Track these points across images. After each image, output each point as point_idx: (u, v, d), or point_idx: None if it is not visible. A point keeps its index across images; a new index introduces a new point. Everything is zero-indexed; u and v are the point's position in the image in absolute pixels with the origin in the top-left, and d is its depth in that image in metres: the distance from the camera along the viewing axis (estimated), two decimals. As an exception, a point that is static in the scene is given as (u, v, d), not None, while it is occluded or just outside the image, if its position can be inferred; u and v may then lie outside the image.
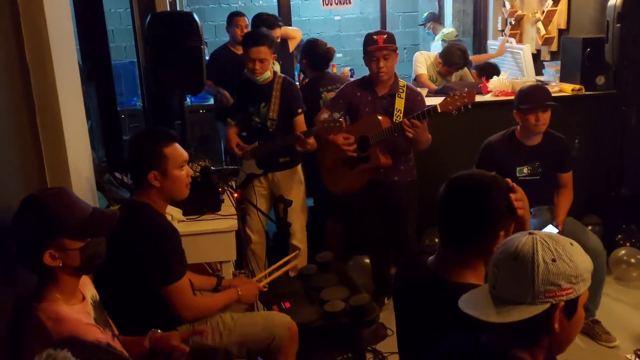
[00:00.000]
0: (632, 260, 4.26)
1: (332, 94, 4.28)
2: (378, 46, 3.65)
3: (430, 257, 1.90)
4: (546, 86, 4.08)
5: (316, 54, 4.51)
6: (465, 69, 5.52)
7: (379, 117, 3.70)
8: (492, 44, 5.91)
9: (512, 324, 1.37)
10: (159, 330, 2.33)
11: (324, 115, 3.77)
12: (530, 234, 1.43)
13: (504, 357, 1.44)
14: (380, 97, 3.78)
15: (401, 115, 3.69)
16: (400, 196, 3.91)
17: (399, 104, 3.73)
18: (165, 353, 2.22)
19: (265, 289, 2.89)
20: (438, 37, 6.35)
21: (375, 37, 3.68)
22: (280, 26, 5.03)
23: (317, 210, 4.92)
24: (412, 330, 1.95)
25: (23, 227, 1.86)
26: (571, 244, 1.42)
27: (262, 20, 4.89)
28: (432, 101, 3.90)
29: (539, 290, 1.36)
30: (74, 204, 1.92)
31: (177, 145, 2.50)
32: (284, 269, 3.08)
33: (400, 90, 3.76)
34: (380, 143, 3.71)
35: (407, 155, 3.89)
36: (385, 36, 3.67)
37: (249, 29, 5.09)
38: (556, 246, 1.39)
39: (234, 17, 5.23)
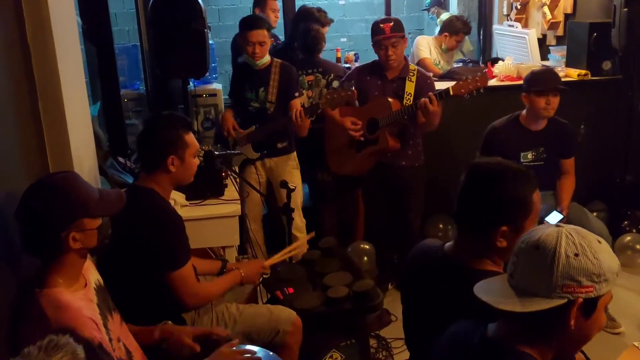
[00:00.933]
0: (638, 247, 4.25)
1: (310, 78, 4.24)
2: (385, 35, 3.63)
3: (447, 244, 1.90)
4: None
5: (306, 37, 4.39)
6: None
7: (390, 100, 3.68)
8: (498, 28, 5.85)
9: (527, 316, 1.33)
10: (170, 322, 2.33)
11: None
12: (557, 226, 1.38)
13: (510, 353, 1.40)
14: (390, 80, 3.77)
15: (411, 98, 3.67)
16: (406, 181, 3.89)
17: (409, 87, 3.71)
18: (175, 348, 2.22)
19: (268, 272, 2.88)
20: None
21: (382, 25, 3.65)
22: (330, 22, 4.78)
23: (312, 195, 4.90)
24: (424, 316, 1.94)
25: (40, 211, 1.83)
26: (599, 242, 1.37)
27: (309, 14, 4.61)
28: (437, 86, 3.87)
29: (557, 283, 1.31)
30: (86, 184, 1.93)
31: (192, 134, 2.53)
32: (288, 254, 3.07)
33: (411, 74, 3.74)
34: (390, 126, 3.69)
35: (415, 139, 3.86)
36: (392, 24, 3.64)
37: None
38: (582, 241, 1.34)
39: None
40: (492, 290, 1.43)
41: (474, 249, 1.80)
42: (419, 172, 3.91)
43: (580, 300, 1.32)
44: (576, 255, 1.32)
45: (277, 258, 2.98)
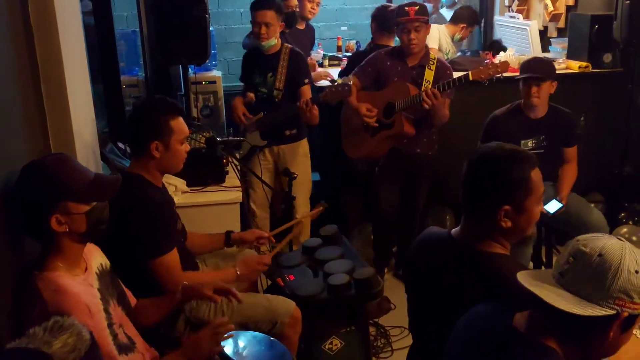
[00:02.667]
0: (634, 239, 4.23)
1: None
2: (409, 18, 3.62)
3: (453, 230, 1.92)
4: (553, 62, 4.03)
5: (387, 16, 4.25)
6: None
7: (408, 84, 3.69)
8: (499, 19, 5.84)
9: (569, 315, 1.36)
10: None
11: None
12: (619, 239, 1.42)
13: (536, 346, 1.43)
14: (410, 67, 3.76)
15: (429, 86, 3.66)
16: (418, 168, 3.93)
17: (428, 75, 3.71)
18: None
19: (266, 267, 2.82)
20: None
21: (407, 8, 3.65)
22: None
23: (330, 185, 4.89)
24: (431, 300, 1.95)
25: (26, 192, 1.84)
26: None
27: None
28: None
29: (612, 295, 1.36)
30: (76, 168, 1.92)
31: (182, 119, 2.48)
32: (286, 240, 3.03)
33: (431, 62, 3.74)
34: (406, 110, 3.70)
35: (431, 128, 3.87)
36: (417, 8, 3.64)
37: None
38: None
39: None
40: (538, 284, 1.45)
41: (480, 233, 1.83)
42: (430, 160, 3.94)
43: (626, 314, 1.37)
44: (637, 272, 1.37)
45: (276, 249, 2.91)
